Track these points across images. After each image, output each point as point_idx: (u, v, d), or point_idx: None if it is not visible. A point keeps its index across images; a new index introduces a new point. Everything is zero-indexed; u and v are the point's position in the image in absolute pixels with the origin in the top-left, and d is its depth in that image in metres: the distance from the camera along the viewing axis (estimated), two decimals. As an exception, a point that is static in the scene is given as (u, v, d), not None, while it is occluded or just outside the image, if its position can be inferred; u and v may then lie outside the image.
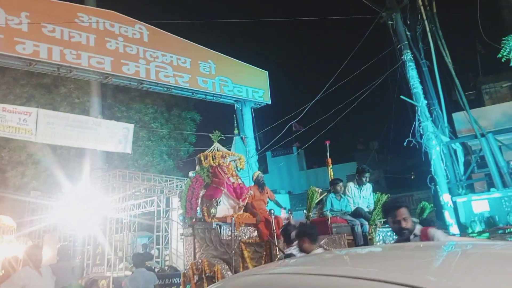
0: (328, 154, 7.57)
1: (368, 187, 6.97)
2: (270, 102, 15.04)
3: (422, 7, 12.56)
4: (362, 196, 6.86)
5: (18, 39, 9.94)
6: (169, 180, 13.57)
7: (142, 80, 12.17)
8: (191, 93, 13.65)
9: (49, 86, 16.02)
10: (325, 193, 6.68)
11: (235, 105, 14.73)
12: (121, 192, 11.86)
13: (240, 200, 6.43)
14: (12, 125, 10.09)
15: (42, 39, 10.26)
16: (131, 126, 12.53)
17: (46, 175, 15.15)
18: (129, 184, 11.88)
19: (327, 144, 7.66)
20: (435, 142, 11.77)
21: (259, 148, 14.63)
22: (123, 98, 17.55)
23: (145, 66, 12.11)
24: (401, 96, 11.74)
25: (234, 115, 14.74)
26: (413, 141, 11.71)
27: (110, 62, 11.35)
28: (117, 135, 12.03)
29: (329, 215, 6.24)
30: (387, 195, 6.62)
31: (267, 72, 15.22)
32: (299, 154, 27.08)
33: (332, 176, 7.36)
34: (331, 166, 7.70)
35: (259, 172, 7.34)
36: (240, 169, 6.96)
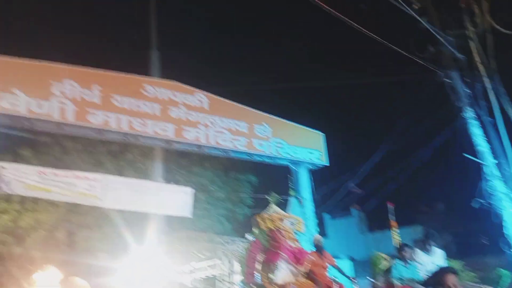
0: (391, 216, 7.22)
1: (439, 253, 6.47)
2: (327, 163, 14.87)
3: (480, 64, 12.25)
4: (432, 262, 6.36)
5: (90, 110, 10.83)
6: (232, 242, 13.45)
7: (202, 145, 12.62)
8: (248, 156, 13.87)
9: (116, 153, 17.02)
10: (391, 259, 6.27)
11: (291, 166, 14.69)
12: (183, 254, 11.89)
13: (300, 265, 6.19)
14: (81, 191, 10.71)
15: (112, 109, 11.10)
16: (191, 190, 12.80)
17: (111, 238, 15.65)
18: (192, 246, 11.89)
19: (390, 206, 7.33)
20: (507, 202, 10.89)
21: (317, 211, 14.28)
22: (184, 162, 18.16)
23: (204, 132, 12.60)
24: (465, 154, 11.18)
25: (290, 177, 14.65)
26: (481, 202, 10.91)
27: (173, 129, 11.96)
28: (178, 199, 12.35)
29: (398, 283, 5.80)
30: (459, 262, 6.10)
31: (323, 134, 15.21)
32: (359, 216, 26.01)
33: (398, 240, 6.94)
34: (394, 229, 7.30)
35: (320, 236, 7.10)
36: (299, 232, 6.78)
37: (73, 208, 15.98)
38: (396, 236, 6.95)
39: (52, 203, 15.87)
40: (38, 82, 10.39)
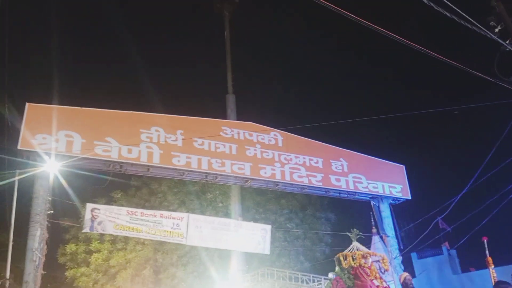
0: (487, 252, 6.64)
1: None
2: (410, 197, 14.18)
3: None
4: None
5: (174, 153, 11.53)
6: (317, 280, 13.13)
7: (278, 182, 12.73)
8: (324, 192, 13.69)
9: (198, 193, 17.78)
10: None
11: (372, 202, 14.20)
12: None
13: (387, 305, 5.89)
14: (167, 229, 11.27)
15: (193, 151, 11.72)
16: (268, 227, 12.87)
17: (193, 277, 16.09)
18: (277, 283, 11.80)
19: (485, 241, 6.76)
20: None
21: (402, 248, 13.53)
22: (260, 200, 18.40)
23: (280, 169, 12.74)
24: None
25: (371, 213, 14.14)
26: None
27: (249, 167, 12.26)
28: (256, 236, 12.46)
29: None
30: None
31: (403, 166, 14.65)
32: (450, 255, 23.94)
33: (495, 278, 6.34)
34: (492, 266, 6.69)
35: (407, 274, 6.71)
36: (384, 271, 6.48)
37: (159, 247, 16.80)
38: (494, 274, 6.32)
39: (140, 242, 16.86)
40: (128, 130, 11.37)
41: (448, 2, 6.00)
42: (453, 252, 23.57)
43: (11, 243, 11.97)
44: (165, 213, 11.82)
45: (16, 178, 10.23)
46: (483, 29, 6.58)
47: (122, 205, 16.80)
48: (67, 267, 17.37)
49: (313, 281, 12.62)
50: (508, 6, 7.17)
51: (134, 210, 11.63)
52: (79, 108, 11.13)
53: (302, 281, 12.33)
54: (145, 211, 11.71)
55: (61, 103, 11.28)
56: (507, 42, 6.97)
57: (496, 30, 7.23)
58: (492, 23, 7.21)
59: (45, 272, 9.79)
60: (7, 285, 9.89)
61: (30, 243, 9.71)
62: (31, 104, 10.57)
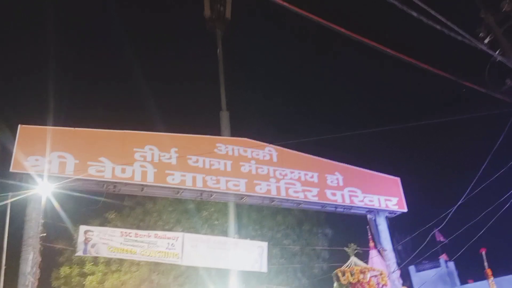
0: (486, 264, 6.58)
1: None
2: (406, 210, 14.14)
3: None
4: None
5: (168, 171, 11.45)
6: None
7: (273, 198, 12.65)
8: (320, 207, 13.62)
9: (193, 211, 17.61)
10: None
11: (368, 215, 14.15)
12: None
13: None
14: (162, 250, 11.13)
15: (188, 169, 11.65)
16: (265, 244, 12.76)
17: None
18: None
19: (483, 252, 6.71)
20: None
21: (400, 262, 13.43)
22: (257, 217, 18.26)
23: (275, 184, 12.68)
24: None
25: (368, 227, 14.06)
26: None
27: (245, 183, 12.19)
28: (253, 254, 12.34)
29: None
30: None
31: (398, 178, 14.65)
32: (448, 267, 23.80)
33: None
34: (491, 278, 6.62)
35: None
36: (383, 285, 6.39)
37: (154, 268, 16.50)
38: (493, 286, 6.24)
39: (135, 263, 16.57)
40: (122, 150, 11.30)
41: (438, 15, 6.08)
42: (451, 264, 23.46)
43: (3, 267, 11.70)
44: (159, 233, 11.71)
45: (9, 201, 10.07)
46: (473, 40, 6.67)
47: (116, 226, 16.55)
48: (61, 291, 16.99)
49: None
50: (497, 18, 7.29)
51: (128, 231, 11.49)
52: (71, 128, 11.07)
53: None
54: (139, 232, 11.58)
55: (54, 124, 11.21)
56: (497, 53, 7.06)
57: (486, 41, 7.33)
58: (481, 34, 7.32)
59: (38, 297, 9.54)
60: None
61: (23, 267, 9.51)
62: (24, 126, 10.50)
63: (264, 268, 12.39)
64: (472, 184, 10.95)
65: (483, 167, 10.78)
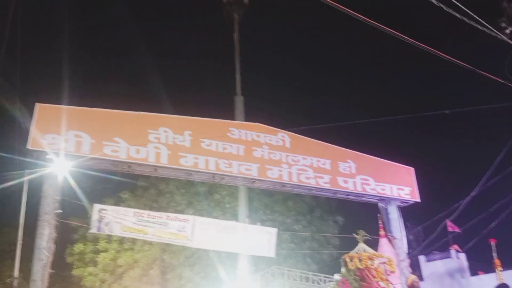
0: (494, 254, 6.55)
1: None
2: (418, 200, 14.05)
3: None
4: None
5: (182, 153, 11.54)
6: (328, 280, 13.09)
7: (285, 183, 12.66)
8: (332, 194, 13.58)
9: (205, 194, 17.83)
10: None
11: (379, 204, 14.06)
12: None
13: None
14: (173, 232, 11.33)
15: (201, 152, 11.73)
16: (274, 230, 12.88)
17: (200, 277, 16.12)
18: (287, 283, 11.77)
19: (493, 243, 6.68)
20: None
21: (410, 251, 13.43)
22: (268, 201, 18.40)
23: (287, 170, 12.69)
24: None
25: (379, 215, 14.00)
26: None
27: (257, 168, 12.23)
28: (261, 239, 12.50)
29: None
30: None
31: (412, 168, 14.54)
32: (459, 258, 23.69)
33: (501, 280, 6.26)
34: (500, 269, 6.60)
35: (414, 276, 6.65)
36: (391, 272, 6.44)
37: (166, 247, 16.85)
38: (501, 276, 6.23)
39: (148, 243, 16.94)
40: (137, 131, 11.41)
41: (458, 4, 5.96)
42: (462, 255, 23.34)
43: (20, 242, 12.09)
44: (171, 215, 11.89)
45: (26, 178, 10.32)
46: (494, 30, 6.52)
47: (130, 206, 16.90)
48: (74, 266, 17.49)
49: (324, 282, 12.57)
50: (519, 7, 7.10)
51: (141, 211, 11.72)
52: (88, 108, 11.21)
53: (313, 281, 12.29)
54: (152, 213, 11.81)
55: (71, 103, 11.40)
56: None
57: (507, 31, 7.15)
58: (503, 24, 7.15)
59: (53, 271, 9.85)
60: (15, 283, 10.00)
61: (38, 242, 9.78)
62: (41, 104, 10.67)
63: (272, 254, 12.53)
64: (486, 176, 10.83)
65: (499, 159, 10.64)
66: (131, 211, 11.62)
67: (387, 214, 13.79)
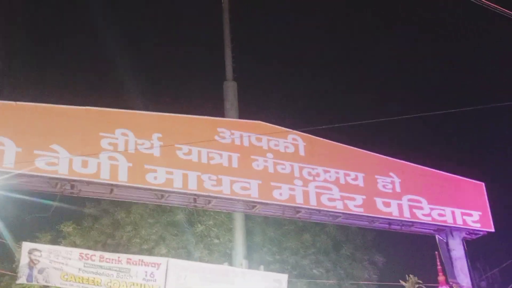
0: None
1: None
2: (492, 230, 14.01)
3: None
4: None
5: (149, 166, 11.41)
6: None
7: (299, 207, 12.58)
8: (367, 222, 13.61)
9: (183, 224, 17.65)
10: None
11: (437, 236, 14.09)
12: None
13: None
14: (137, 282, 11.20)
15: (177, 164, 11.59)
16: (284, 278, 12.82)
17: None
18: None
19: None
20: None
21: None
22: (274, 234, 18.24)
23: (301, 188, 12.59)
24: None
25: (436, 252, 13.98)
26: None
27: (258, 186, 12.11)
28: (267, 291, 12.41)
29: None
30: None
31: (483, 183, 14.48)
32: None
33: None
34: None
35: None
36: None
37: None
38: None
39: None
40: (84, 134, 11.26)
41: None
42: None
43: None
44: (134, 257, 11.76)
45: None
46: None
47: (75, 244, 16.71)
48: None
49: None
50: None
51: (90, 252, 11.57)
52: (11, 103, 11.04)
53: None
54: (106, 255, 11.64)
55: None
56: None
57: None
58: None
59: None
60: None
61: None
62: None
63: (284, 311, 12.46)
64: None
65: None
66: (76, 252, 11.49)
67: (448, 251, 13.81)
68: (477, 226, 13.95)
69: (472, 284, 13.45)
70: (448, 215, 13.73)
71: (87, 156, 10.97)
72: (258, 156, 12.54)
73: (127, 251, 16.05)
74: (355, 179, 13.29)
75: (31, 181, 10.87)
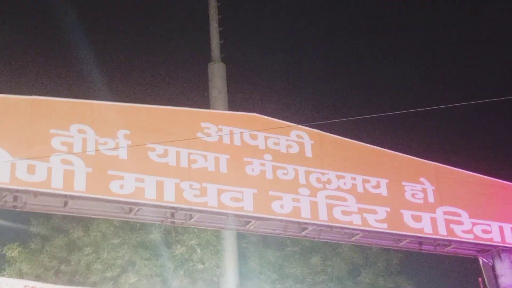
0: None
1: None
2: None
3: None
4: None
5: (113, 172, 11.41)
6: None
7: (305, 223, 12.60)
8: (392, 242, 13.68)
9: (157, 245, 17.68)
10: None
11: (481, 259, 14.14)
12: None
13: None
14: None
15: (148, 169, 11.59)
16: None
17: None
18: None
19: None
20: None
21: None
22: (274, 257, 18.34)
23: (308, 199, 12.61)
24: None
25: (480, 279, 14.09)
26: None
27: (252, 196, 12.13)
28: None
29: None
30: None
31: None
32: None
33: None
34: None
35: None
36: None
37: None
38: None
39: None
40: (30, 132, 11.23)
41: None
42: None
43: None
44: None
45: None
46: None
47: (20, 271, 16.76)
48: None
49: None
50: None
51: (37, 286, 11.59)
52: None
53: None
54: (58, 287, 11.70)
55: None
56: None
57: None
58: None
59: None
60: None
61: None
62: None
63: None
64: None
65: None
66: (20, 284, 11.50)
67: (494, 277, 13.92)
68: (530, 245, 14.03)
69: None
70: (494, 231, 13.79)
71: (34, 160, 10.94)
72: (253, 158, 12.55)
73: (85, 280, 16.10)
74: (377, 186, 13.32)
75: (-37, 192, 10.89)
